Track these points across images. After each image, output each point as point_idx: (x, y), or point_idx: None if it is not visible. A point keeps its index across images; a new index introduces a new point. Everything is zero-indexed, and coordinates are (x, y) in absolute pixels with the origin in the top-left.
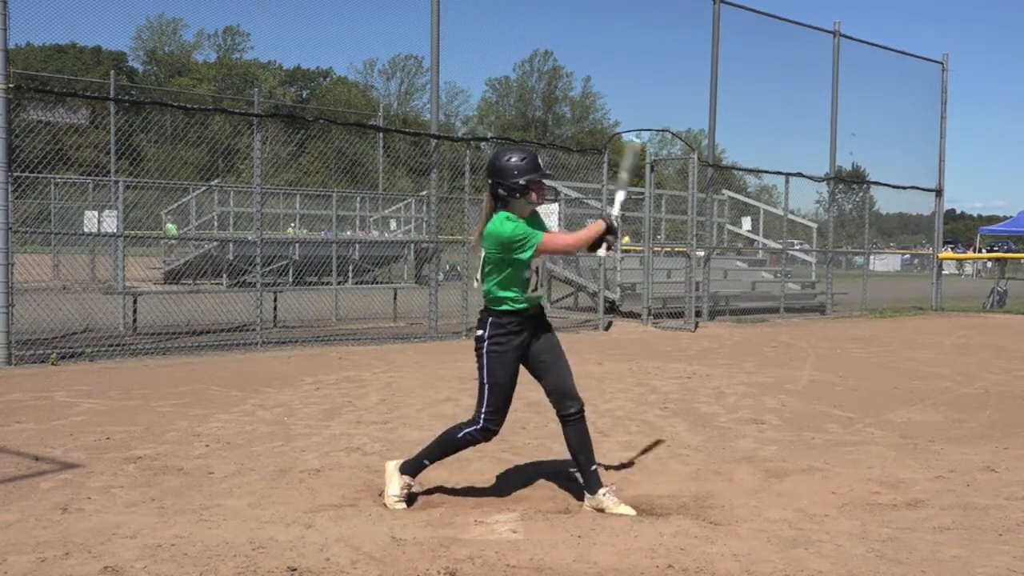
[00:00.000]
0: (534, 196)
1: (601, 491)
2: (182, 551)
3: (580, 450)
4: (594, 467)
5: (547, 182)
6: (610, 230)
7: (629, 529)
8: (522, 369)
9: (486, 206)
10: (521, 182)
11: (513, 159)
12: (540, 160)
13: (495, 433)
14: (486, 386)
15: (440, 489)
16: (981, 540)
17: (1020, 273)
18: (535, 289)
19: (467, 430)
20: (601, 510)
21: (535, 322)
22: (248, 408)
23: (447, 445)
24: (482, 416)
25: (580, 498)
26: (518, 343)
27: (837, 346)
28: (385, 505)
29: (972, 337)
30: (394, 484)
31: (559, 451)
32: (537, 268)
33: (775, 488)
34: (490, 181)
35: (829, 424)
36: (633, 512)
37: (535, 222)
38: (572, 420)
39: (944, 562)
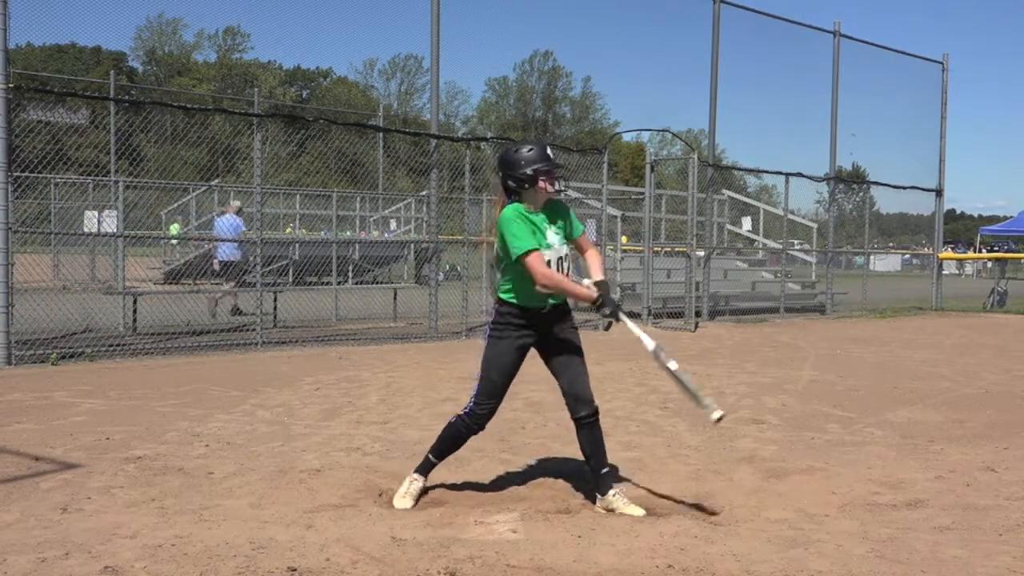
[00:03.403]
0: (542, 185)
1: (611, 492)
2: (182, 551)
3: (592, 453)
4: (606, 470)
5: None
6: (598, 304)
7: (629, 529)
8: (523, 366)
9: (498, 198)
10: (528, 171)
11: (521, 150)
12: (550, 151)
13: (483, 417)
14: (480, 372)
15: (440, 489)
16: (981, 540)
17: (1020, 273)
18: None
19: (457, 415)
20: (611, 511)
21: (547, 319)
22: (248, 408)
23: (448, 439)
24: (472, 401)
25: (581, 498)
26: (517, 336)
27: (837, 346)
28: (391, 502)
29: (972, 337)
30: (405, 481)
31: (559, 451)
32: (560, 261)
33: (775, 488)
34: (500, 174)
35: (829, 424)
36: (642, 512)
37: (556, 213)
38: (585, 423)
39: (944, 562)
